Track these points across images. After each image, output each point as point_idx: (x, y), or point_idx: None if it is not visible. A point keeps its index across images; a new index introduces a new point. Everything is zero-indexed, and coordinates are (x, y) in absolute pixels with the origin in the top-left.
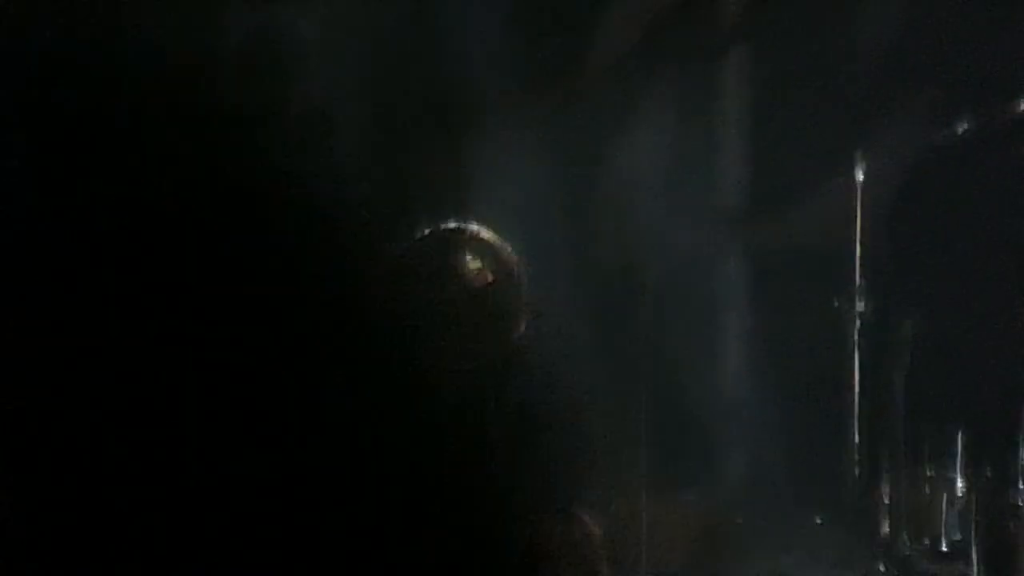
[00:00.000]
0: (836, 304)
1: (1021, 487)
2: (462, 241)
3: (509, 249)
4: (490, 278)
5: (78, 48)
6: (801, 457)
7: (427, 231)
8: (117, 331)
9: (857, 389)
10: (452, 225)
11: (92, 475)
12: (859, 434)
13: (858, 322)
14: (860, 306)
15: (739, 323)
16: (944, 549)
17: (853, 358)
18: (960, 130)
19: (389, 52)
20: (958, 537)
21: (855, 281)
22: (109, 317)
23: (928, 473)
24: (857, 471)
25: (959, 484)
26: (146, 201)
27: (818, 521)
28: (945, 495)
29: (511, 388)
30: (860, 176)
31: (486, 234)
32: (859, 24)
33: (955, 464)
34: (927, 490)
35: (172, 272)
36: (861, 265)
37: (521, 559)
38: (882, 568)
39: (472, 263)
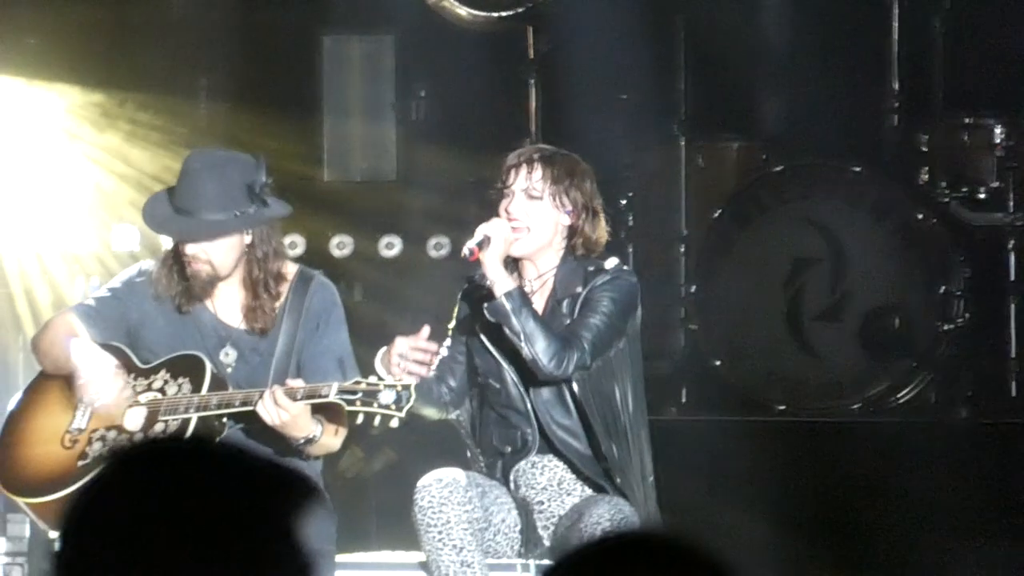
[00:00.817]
0: None
1: None
2: None
3: None
4: None
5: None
6: (841, 104)
7: None
8: None
9: (896, 35)
10: None
11: None
12: (898, 81)
13: None
14: None
15: None
16: (982, 196)
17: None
18: None
19: None
20: (996, 184)
21: None
22: None
23: (966, 120)
24: (896, 119)
25: (997, 131)
26: None
27: (856, 169)
28: (984, 142)
29: None
30: None
31: None
32: None
33: (994, 111)
34: (965, 137)
35: None
36: None
37: None
38: (920, 216)
39: None
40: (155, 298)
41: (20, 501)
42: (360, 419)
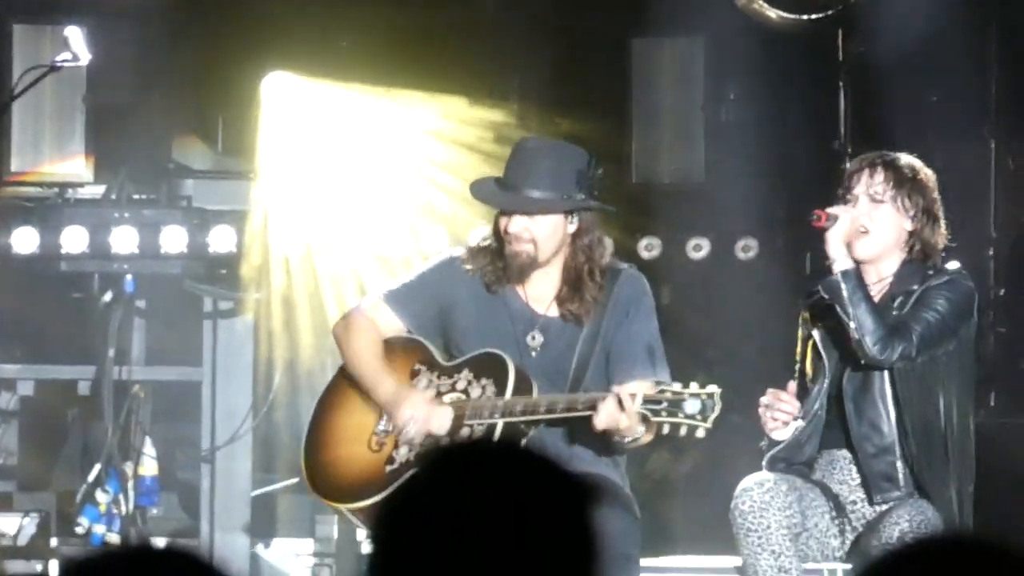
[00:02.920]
0: None
1: None
2: None
3: None
4: None
5: None
6: None
7: None
8: None
9: None
10: None
11: None
12: None
13: None
14: None
15: None
16: None
17: None
18: None
19: None
20: None
21: None
22: None
23: None
24: None
25: None
26: None
27: None
28: None
29: None
30: None
31: None
32: None
33: None
34: None
35: None
36: None
37: None
38: None
39: None
40: (466, 281)
41: (333, 505)
42: (666, 429)
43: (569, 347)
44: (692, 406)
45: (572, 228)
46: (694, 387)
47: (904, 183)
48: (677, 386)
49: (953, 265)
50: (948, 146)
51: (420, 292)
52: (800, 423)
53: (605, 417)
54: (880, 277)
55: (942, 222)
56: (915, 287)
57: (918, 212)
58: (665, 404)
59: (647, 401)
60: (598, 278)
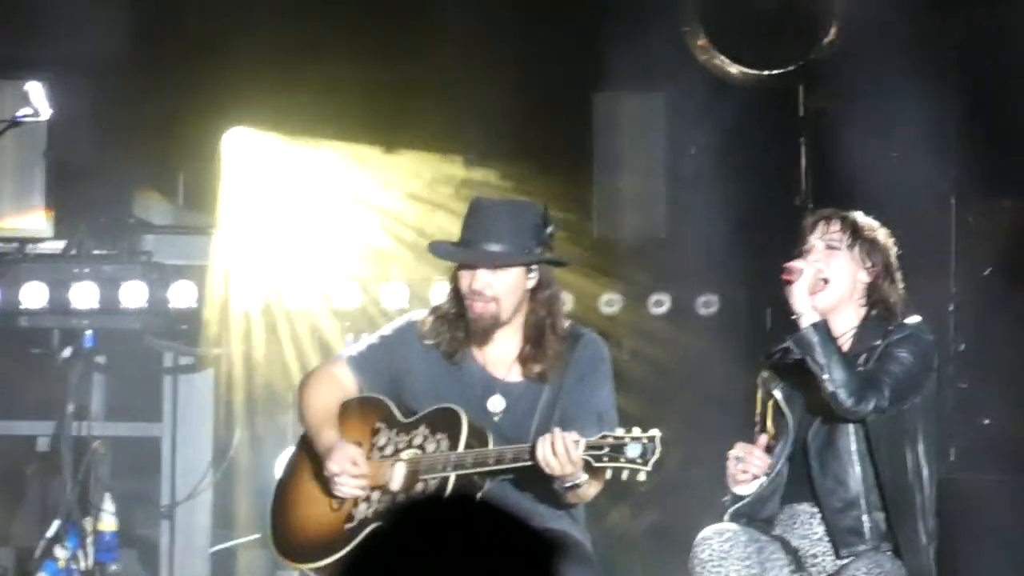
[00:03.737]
0: None
1: None
2: None
3: None
4: None
5: None
6: None
7: None
8: None
9: None
10: None
11: None
12: None
13: None
14: None
15: None
16: None
17: None
18: None
19: None
20: None
21: None
22: None
23: None
24: None
25: None
26: None
27: None
28: None
29: None
30: None
31: None
32: None
33: None
34: None
35: None
36: None
37: None
38: None
39: None
40: (423, 348)
41: (297, 566)
42: (608, 474)
43: (530, 411)
44: (633, 450)
45: (532, 283)
46: (636, 431)
47: (860, 236)
48: (619, 431)
49: (914, 319)
50: (909, 202)
51: (378, 356)
52: (764, 479)
53: (542, 450)
54: (838, 333)
55: (900, 282)
56: (877, 343)
57: (876, 266)
58: (607, 449)
59: (589, 448)
60: (561, 331)
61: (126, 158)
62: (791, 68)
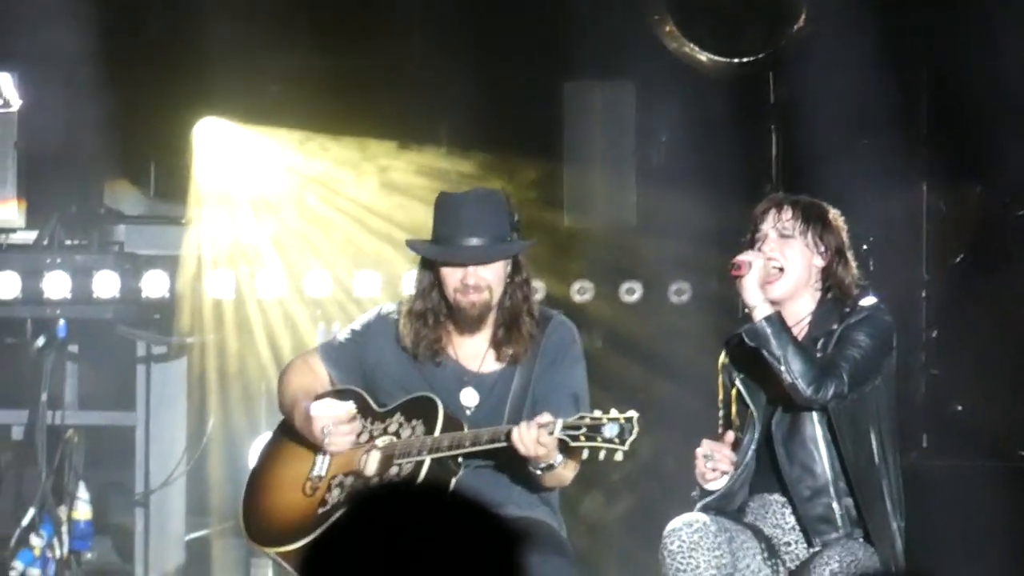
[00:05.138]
0: None
1: None
2: None
3: None
4: None
5: None
6: None
7: None
8: None
9: None
10: None
11: None
12: None
13: None
14: None
15: None
16: None
17: None
18: None
19: None
20: None
21: None
22: None
23: None
24: None
25: None
26: None
27: None
28: None
29: None
30: None
31: None
32: None
33: None
34: None
35: None
36: None
37: None
38: None
39: None
40: (394, 342)
41: (267, 551)
42: (585, 454)
43: (501, 401)
44: (610, 430)
45: (509, 268)
46: (613, 412)
47: (812, 221)
48: (597, 412)
49: (869, 300)
50: (879, 189)
51: (350, 352)
52: (734, 473)
53: (518, 435)
54: (796, 319)
55: (852, 261)
56: (834, 326)
57: (829, 251)
58: (584, 429)
59: (566, 427)
60: (535, 312)
61: (97, 149)
62: (761, 55)
